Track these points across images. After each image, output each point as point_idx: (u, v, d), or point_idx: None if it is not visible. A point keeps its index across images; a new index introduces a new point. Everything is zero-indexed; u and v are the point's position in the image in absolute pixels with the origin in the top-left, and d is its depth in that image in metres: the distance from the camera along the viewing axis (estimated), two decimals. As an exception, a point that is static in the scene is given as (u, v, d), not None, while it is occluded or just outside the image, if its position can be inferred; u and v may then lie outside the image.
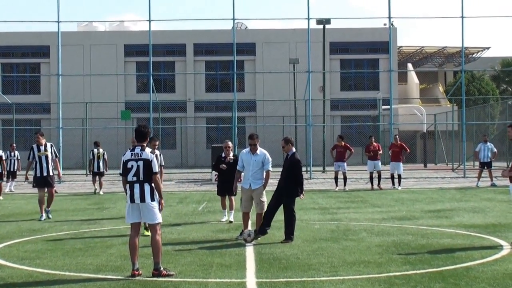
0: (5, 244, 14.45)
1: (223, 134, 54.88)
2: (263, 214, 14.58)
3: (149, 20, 37.97)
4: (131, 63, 59.81)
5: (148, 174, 10.82)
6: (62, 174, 33.78)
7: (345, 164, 30.05)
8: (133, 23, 65.68)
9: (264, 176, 14.74)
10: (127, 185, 10.92)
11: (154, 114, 40.44)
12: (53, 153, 19.84)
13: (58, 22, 37.29)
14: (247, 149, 14.93)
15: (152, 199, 10.84)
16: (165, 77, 60.56)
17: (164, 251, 12.99)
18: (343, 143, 30.01)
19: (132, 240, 10.88)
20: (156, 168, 10.85)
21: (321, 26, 45.26)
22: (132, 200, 10.82)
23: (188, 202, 24.38)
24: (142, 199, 10.77)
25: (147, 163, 10.81)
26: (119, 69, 57.90)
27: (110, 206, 23.27)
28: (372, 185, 30.17)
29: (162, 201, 11.03)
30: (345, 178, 30.06)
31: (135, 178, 10.82)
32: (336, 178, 30.22)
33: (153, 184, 10.88)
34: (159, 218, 10.93)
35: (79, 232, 16.32)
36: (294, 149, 14.60)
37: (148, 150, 10.96)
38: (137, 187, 10.79)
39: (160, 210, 10.98)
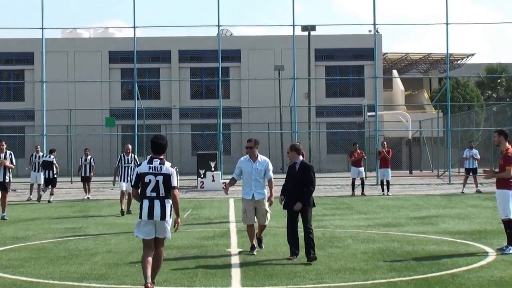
0: (-12, 252, 14.30)
1: (208, 141, 54.87)
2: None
3: (134, 27, 37.88)
4: (116, 69, 59.64)
5: (168, 190, 10.21)
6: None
7: None
8: (118, 29, 65.65)
9: (267, 185, 13.79)
10: (145, 200, 10.17)
11: (139, 121, 40.31)
12: (11, 160, 21.37)
13: (42, 28, 37.14)
14: (246, 156, 13.88)
15: (170, 216, 10.30)
16: (150, 84, 60.41)
17: (149, 259, 12.96)
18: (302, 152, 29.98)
19: (146, 258, 10.24)
20: (175, 183, 10.27)
21: (306, 33, 45.32)
22: (150, 216, 10.13)
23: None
24: (163, 216, 10.16)
25: (167, 178, 10.19)
26: (103, 76, 57.68)
27: (94, 214, 23.05)
28: (353, 191, 30.24)
29: (179, 220, 10.48)
30: None
31: (154, 194, 10.16)
32: None
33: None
34: (170, 233, 10.45)
35: (63, 240, 16.16)
36: (301, 157, 13.37)
37: (168, 164, 10.32)
38: (157, 203, 10.13)
39: (176, 229, 10.63)
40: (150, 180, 10.16)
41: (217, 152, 36.89)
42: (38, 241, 16.01)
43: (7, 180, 21.15)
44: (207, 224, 19.19)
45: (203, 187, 33.79)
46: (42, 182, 30.47)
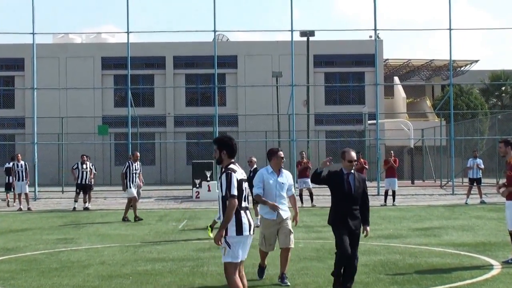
0: (-23, 264, 14.17)
1: (204, 149, 54.47)
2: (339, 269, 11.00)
3: (127, 32, 37.52)
4: (109, 76, 59.24)
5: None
6: (38, 191, 34.03)
7: (309, 180, 29.75)
8: (110, 35, 65.11)
9: (290, 202, 12.09)
10: (242, 212, 8.84)
11: (133, 129, 39.95)
12: None
13: (33, 34, 36.64)
14: (268, 168, 11.91)
15: None
16: (144, 91, 60.05)
17: (143, 271, 12.88)
18: (305, 160, 29.80)
19: (240, 281, 8.93)
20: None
21: (305, 38, 45.09)
22: (252, 230, 8.90)
23: (168, 220, 23.99)
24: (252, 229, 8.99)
25: (249, 184, 9.23)
26: (96, 83, 57.31)
27: (87, 224, 22.79)
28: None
29: None
30: (311, 194, 29.75)
31: (246, 203, 8.96)
32: (300, 196, 29.98)
33: None
34: None
35: (55, 251, 16.00)
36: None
37: None
38: (248, 214, 8.92)
39: None
40: (244, 188, 8.92)
41: (213, 161, 36.48)
42: (29, 252, 15.91)
43: None
44: (203, 236, 18.72)
45: (198, 197, 33.36)
46: (27, 191, 29.97)
